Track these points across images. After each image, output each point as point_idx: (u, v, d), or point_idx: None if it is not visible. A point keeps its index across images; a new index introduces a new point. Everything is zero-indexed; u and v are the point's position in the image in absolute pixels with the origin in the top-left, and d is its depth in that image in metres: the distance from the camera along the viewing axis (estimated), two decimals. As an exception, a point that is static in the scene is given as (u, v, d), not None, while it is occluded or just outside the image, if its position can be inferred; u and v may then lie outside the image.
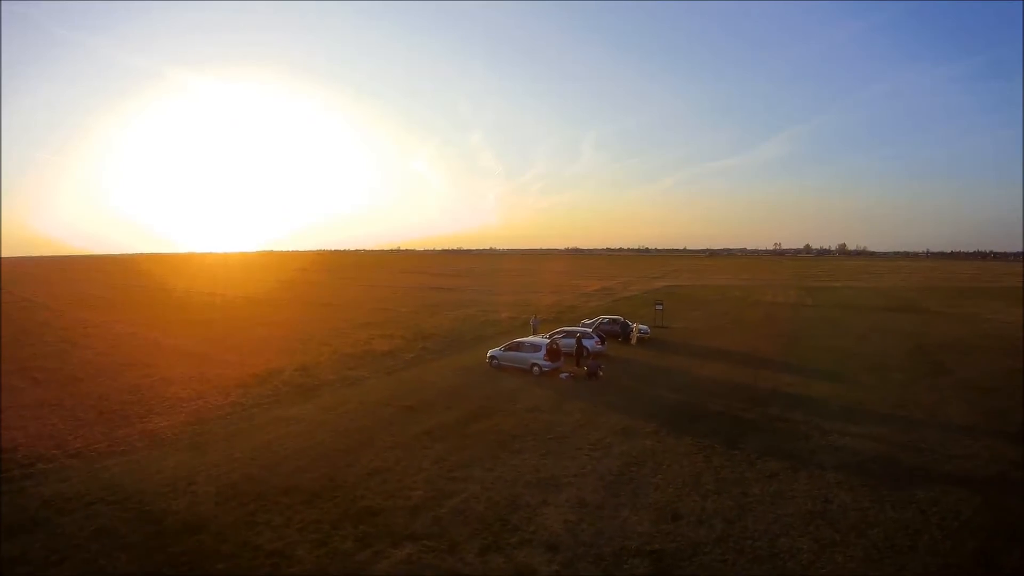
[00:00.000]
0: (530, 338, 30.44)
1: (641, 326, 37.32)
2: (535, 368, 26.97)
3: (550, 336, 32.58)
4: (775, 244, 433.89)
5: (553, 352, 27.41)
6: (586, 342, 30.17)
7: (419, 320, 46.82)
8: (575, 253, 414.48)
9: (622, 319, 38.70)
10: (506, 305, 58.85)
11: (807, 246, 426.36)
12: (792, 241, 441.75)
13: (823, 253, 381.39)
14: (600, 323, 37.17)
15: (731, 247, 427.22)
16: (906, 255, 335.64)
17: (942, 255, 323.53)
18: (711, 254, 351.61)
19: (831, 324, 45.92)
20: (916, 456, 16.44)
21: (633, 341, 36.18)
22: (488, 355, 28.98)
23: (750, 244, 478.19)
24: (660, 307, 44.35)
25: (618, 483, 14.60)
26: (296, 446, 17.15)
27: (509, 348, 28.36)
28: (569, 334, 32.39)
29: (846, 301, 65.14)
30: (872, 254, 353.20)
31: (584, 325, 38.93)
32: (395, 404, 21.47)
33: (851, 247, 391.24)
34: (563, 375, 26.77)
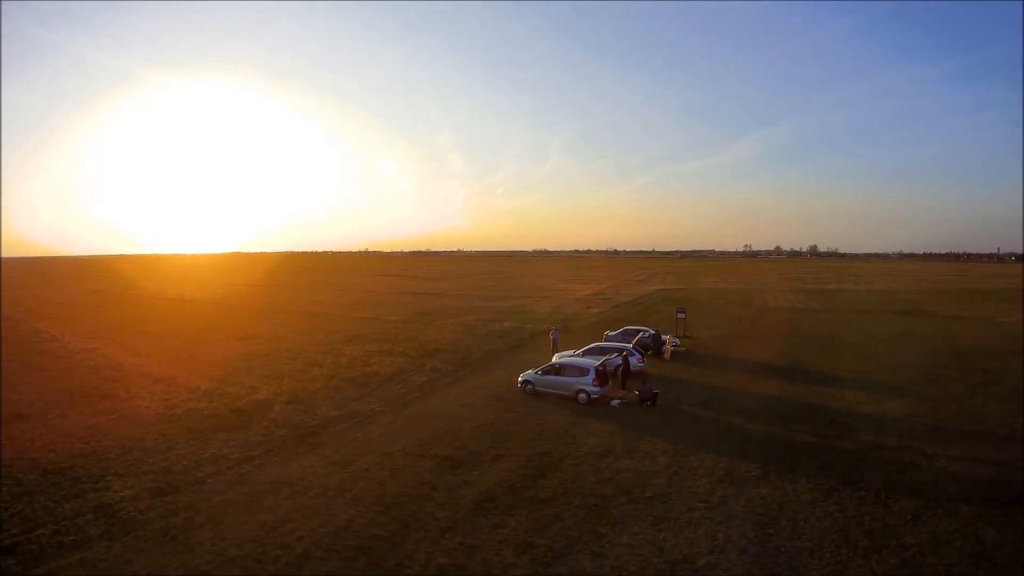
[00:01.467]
0: (571, 357, 26.82)
1: (674, 338, 33.83)
2: (581, 395, 23.21)
3: (583, 352, 28.98)
4: (745, 246, 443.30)
5: (603, 375, 23.67)
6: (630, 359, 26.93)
7: (415, 331, 42.60)
8: (543, 255, 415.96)
9: (651, 331, 35.31)
10: (504, 312, 55.23)
11: (778, 248, 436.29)
12: (762, 243, 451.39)
13: (795, 255, 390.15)
14: (640, 336, 33.49)
15: (700, 249, 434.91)
16: (878, 256, 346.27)
17: (914, 256, 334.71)
18: (682, 256, 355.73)
19: (855, 330, 44.01)
20: (1024, 476, 15.64)
21: (667, 355, 32.76)
22: (520, 380, 25.01)
23: (720, 246, 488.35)
24: (682, 315, 41.14)
25: (766, 556, 11.89)
26: (314, 531, 12.79)
27: (548, 371, 24.46)
28: (604, 350, 28.88)
29: (853, 305, 63.69)
30: (843, 255, 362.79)
31: (608, 338, 35.43)
32: (428, 454, 17.22)
33: (822, 249, 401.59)
34: (614, 402, 23.19)
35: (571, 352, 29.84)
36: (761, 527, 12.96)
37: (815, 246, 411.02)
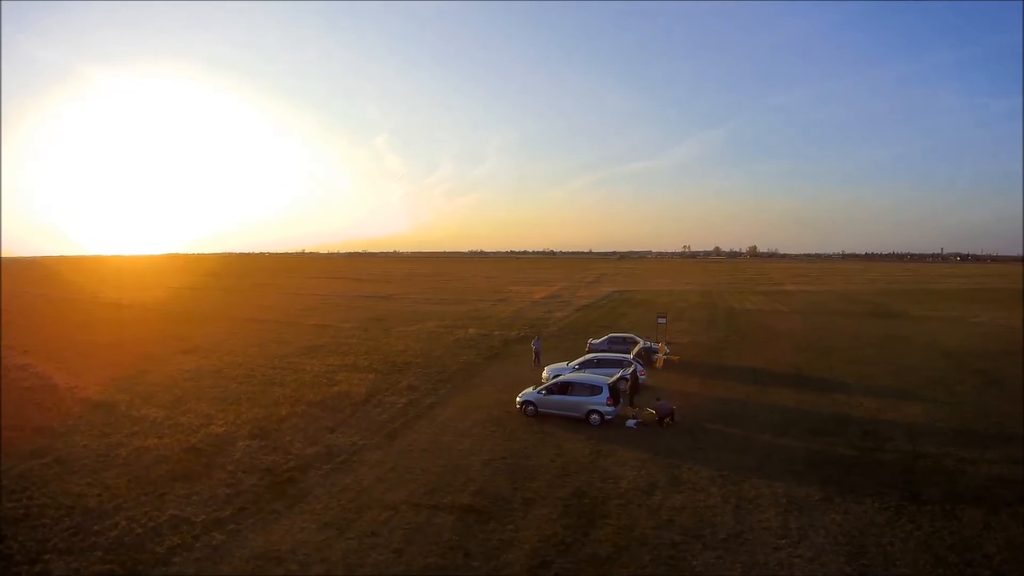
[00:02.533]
0: (577, 373, 24.69)
1: (666, 346, 32.23)
2: (593, 417, 21.09)
3: (580, 365, 26.88)
4: (684, 246, 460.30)
5: (615, 393, 21.56)
6: (628, 369, 25.22)
7: (376, 341, 39.50)
8: (480, 256, 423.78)
9: (640, 339, 33.79)
10: (464, 317, 52.86)
11: (717, 248, 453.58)
12: (701, 244, 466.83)
13: (734, 255, 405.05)
14: (641, 346, 31.69)
15: (638, 250, 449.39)
16: (818, 257, 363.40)
17: (856, 257, 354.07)
18: (621, 257, 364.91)
19: (835, 333, 44.57)
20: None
21: (659, 364, 31.19)
22: (520, 400, 22.57)
23: (658, 247, 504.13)
24: (663, 321, 39.54)
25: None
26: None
27: (553, 390, 22.09)
28: (602, 361, 26.92)
29: (820, 307, 65.24)
30: (784, 256, 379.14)
31: (592, 347, 33.74)
32: (444, 504, 14.41)
33: (762, 249, 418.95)
34: (630, 422, 21.25)
35: (564, 365, 27.72)
36: (853, 558, 12.07)
37: (755, 247, 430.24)
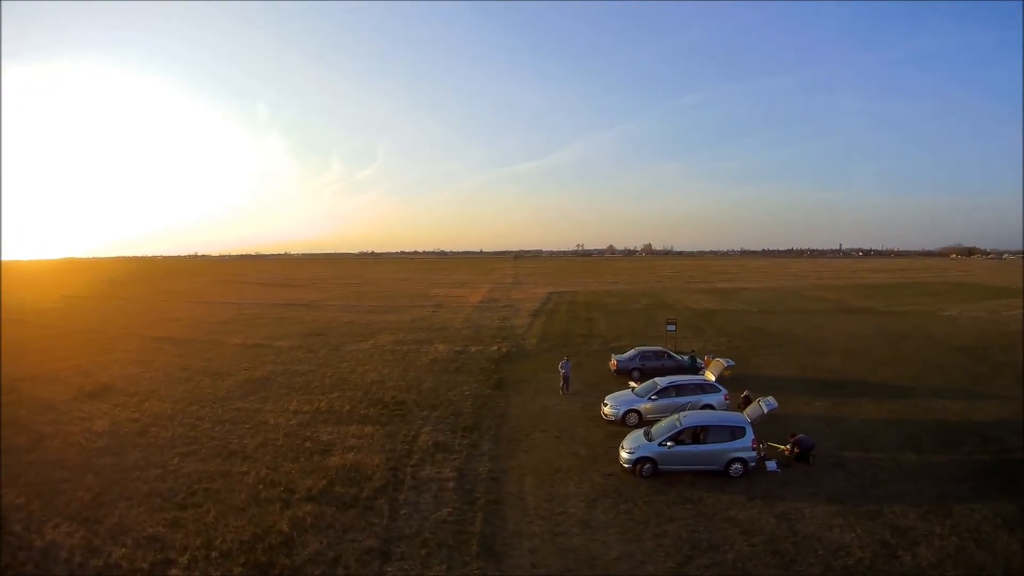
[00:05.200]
0: (698, 411, 20.38)
1: (728, 360, 28.25)
2: (735, 467, 16.97)
3: (658, 394, 22.53)
4: (578, 245, 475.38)
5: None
6: (714, 396, 22.75)
7: (332, 367, 32.77)
8: (372, 257, 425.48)
9: (666, 350, 31.20)
10: (416, 329, 47.27)
11: (611, 247, 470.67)
12: (594, 243, 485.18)
13: (629, 253, 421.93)
14: (722, 361, 27.63)
15: (529, 248, 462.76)
16: (715, 254, 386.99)
17: (755, 253, 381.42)
18: (516, 256, 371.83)
19: (832, 333, 44.66)
20: None
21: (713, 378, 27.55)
22: (630, 458, 17.41)
23: (549, 246, 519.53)
24: (672, 328, 36.48)
25: None
26: None
27: (679, 437, 17.31)
28: (680, 386, 22.90)
29: (781, 305, 66.06)
30: (680, 253, 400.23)
31: (621, 363, 29.68)
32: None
33: (657, 247, 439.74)
34: (771, 465, 17.66)
35: (630, 394, 23.41)
36: None
37: (650, 245, 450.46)
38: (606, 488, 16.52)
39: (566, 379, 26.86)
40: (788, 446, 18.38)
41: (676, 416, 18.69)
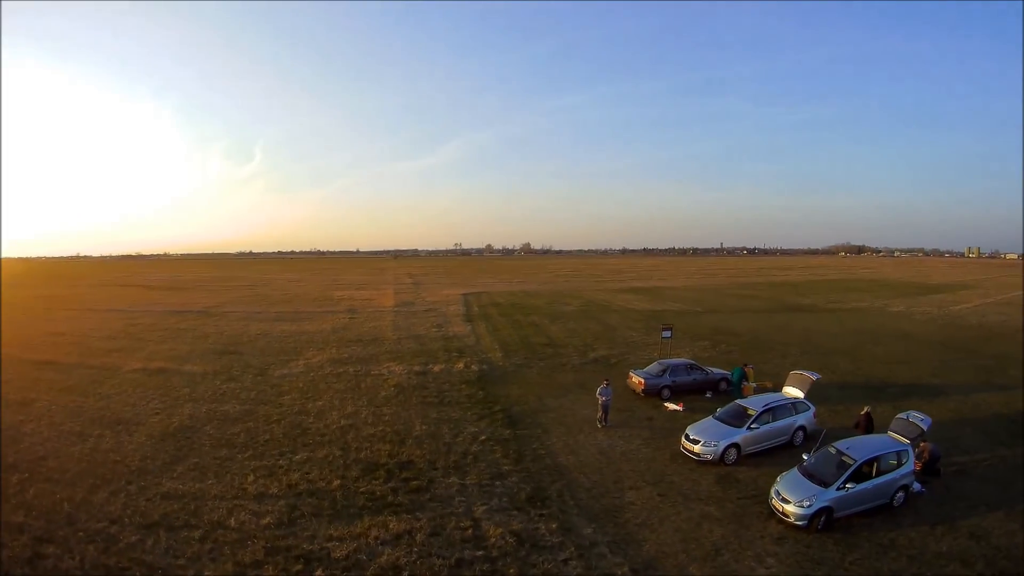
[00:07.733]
0: (859, 438, 17.90)
1: (812, 373, 24.64)
2: (899, 495, 16.09)
3: (756, 420, 19.89)
4: (456, 244, 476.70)
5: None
6: (806, 415, 21.57)
7: (271, 405, 26.20)
8: (251, 257, 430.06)
9: (695, 363, 29.45)
10: (346, 343, 41.87)
11: (489, 246, 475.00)
12: (472, 242, 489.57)
13: (508, 253, 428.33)
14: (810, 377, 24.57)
15: (405, 248, 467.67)
16: (594, 253, 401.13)
17: (635, 252, 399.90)
18: (396, 256, 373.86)
19: (804, 332, 46.14)
20: None
21: (749, 393, 25.83)
22: (804, 513, 14.66)
23: (426, 245, 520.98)
24: (668, 335, 34.65)
25: None
26: None
27: (856, 477, 15.37)
28: (775, 409, 20.56)
29: (724, 306, 66.50)
30: (559, 252, 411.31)
31: (649, 383, 26.84)
32: None
33: (536, 246, 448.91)
34: (916, 486, 16.74)
35: (716, 422, 20.52)
36: None
37: (528, 244, 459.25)
38: (796, 556, 13.72)
39: (605, 408, 23.13)
40: (917, 460, 17.33)
41: (832, 448, 16.43)
